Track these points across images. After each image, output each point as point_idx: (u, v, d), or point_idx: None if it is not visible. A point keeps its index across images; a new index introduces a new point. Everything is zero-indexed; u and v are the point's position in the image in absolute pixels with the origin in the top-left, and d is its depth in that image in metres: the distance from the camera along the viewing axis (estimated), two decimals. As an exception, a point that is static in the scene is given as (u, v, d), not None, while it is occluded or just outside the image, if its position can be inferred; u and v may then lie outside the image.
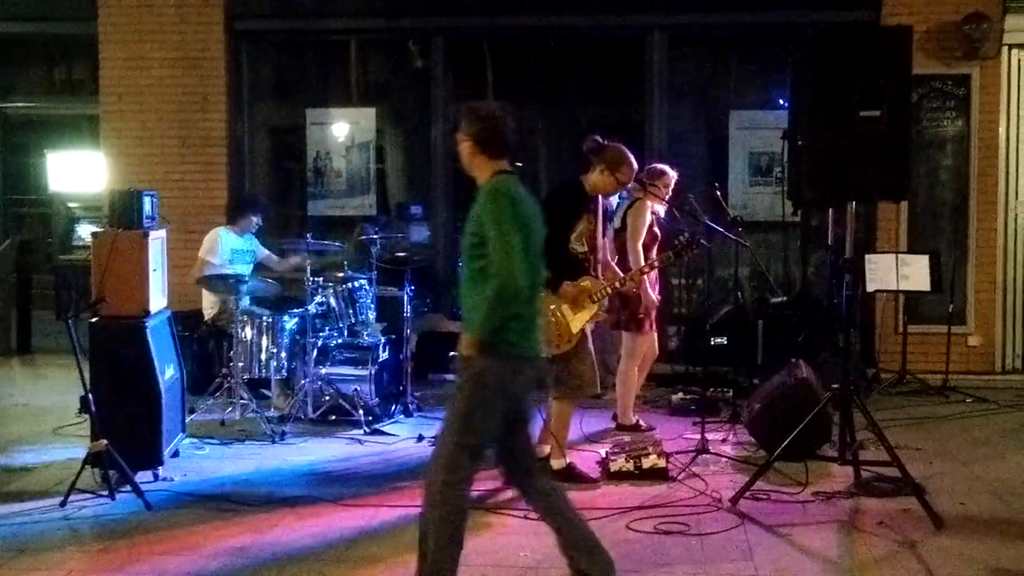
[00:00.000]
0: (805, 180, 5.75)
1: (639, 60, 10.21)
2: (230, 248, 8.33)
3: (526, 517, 5.42)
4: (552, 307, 6.04)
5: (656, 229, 7.32)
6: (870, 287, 8.74)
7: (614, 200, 7.22)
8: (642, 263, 6.94)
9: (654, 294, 7.18)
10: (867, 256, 8.77)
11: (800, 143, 5.80)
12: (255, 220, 8.56)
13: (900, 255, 8.79)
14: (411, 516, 5.46)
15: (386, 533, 5.25)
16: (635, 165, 6.35)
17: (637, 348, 7.29)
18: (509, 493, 5.84)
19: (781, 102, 9.19)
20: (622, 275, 6.69)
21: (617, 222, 7.27)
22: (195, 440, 7.03)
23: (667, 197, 7.28)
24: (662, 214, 7.43)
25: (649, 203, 7.24)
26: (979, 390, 8.77)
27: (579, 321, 6.13)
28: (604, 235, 6.66)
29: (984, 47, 9.44)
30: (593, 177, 6.28)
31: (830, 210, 8.69)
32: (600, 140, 6.30)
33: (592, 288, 6.20)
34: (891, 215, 9.63)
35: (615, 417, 7.45)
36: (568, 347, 6.08)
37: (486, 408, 4.19)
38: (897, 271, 8.61)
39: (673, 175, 7.39)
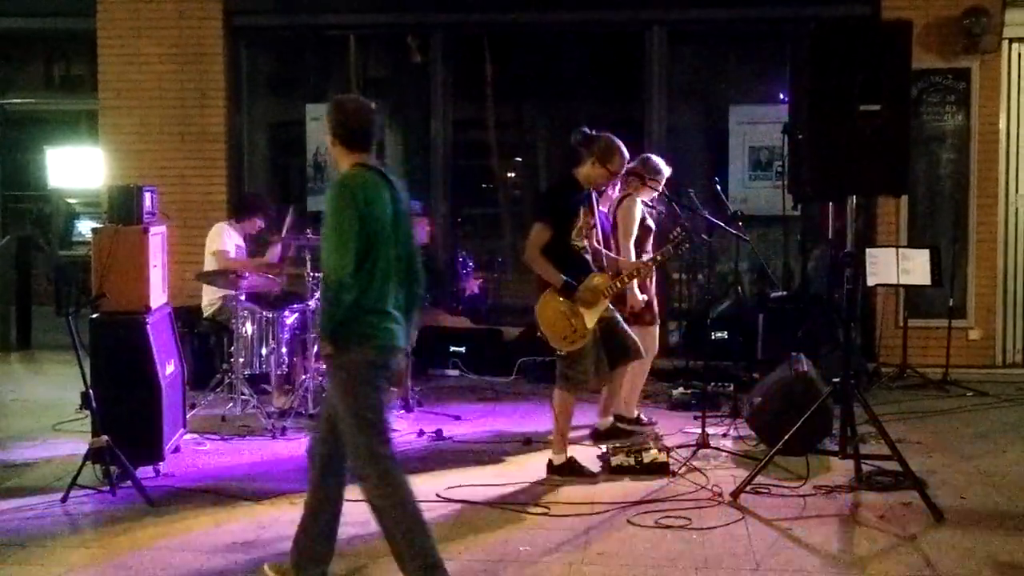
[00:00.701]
0: (805, 174, 5.75)
1: (639, 55, 10.22)
2: (233, 244, 8.33)
3: (528, 512, 5.45)
4: (566, 305, 6.05)
5: (649, 223, 7.29)
6: (870, 281, 8.75)
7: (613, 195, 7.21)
8: (632, 260, 6.91)
9: (644, 293, 7.12)
10: (867, 250, 8.77)
11: (800, 137, 5.79)
12: (258, 223, 8.56)
13: (900, 249, 8.79)
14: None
15: (387, 528, 5.24)
16: (626, 154, 6.30)
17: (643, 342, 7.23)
18: (509, 490, 5.88)
19: (781, 96, 9.18)
20: (631, 264, 6.65)
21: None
22: (196, 436, 7.03)
23: (660, 186, 7.23)
24: (652, 200, 7.37)
25: (639, 198, 7.20)
26: (980, 384, 8.77)
27: (593, 317, 6.13)
28: (600, 227, 6.65)
29: (984, 41, 9.44)
30: (585, 170, 6.25)
31: (830, 204, 8.68)
32: (587, 132, 6.28)
33: (603, 284, 6.19)
34: (891, 209, 9.64)
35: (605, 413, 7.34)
36: (582, 343, 6.08)
37: (364, 395, 4.23)
38: (897, 265, 8.60)
39: (659, 161, 7.31)
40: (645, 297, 7.00)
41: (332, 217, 4.19)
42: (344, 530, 5.14)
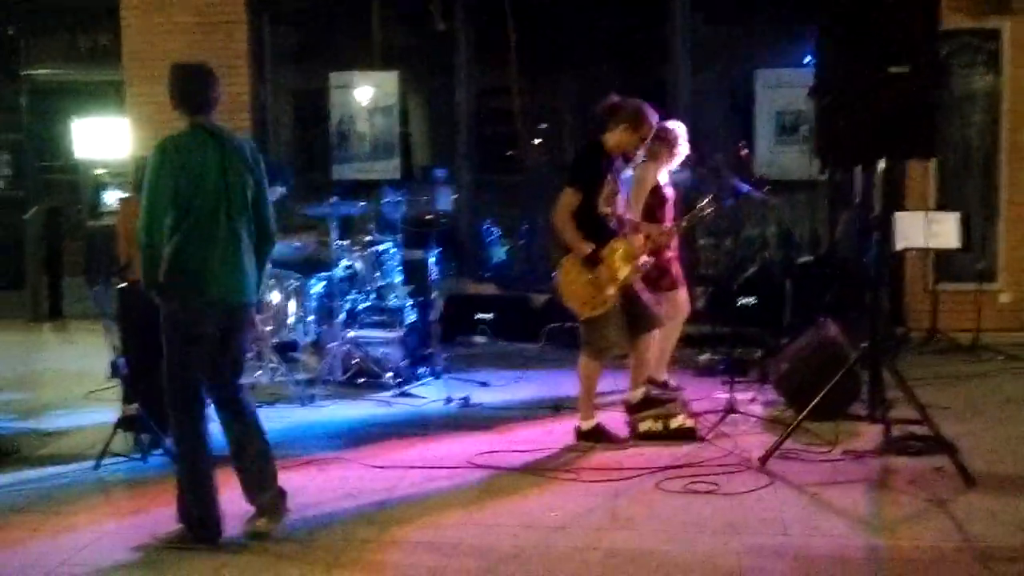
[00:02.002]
0: (832, 138, 5.69)
1: (664, 19, 10.13)
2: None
3: (556, 478, 5.46)
4: (589, 271, 6.03)
5: (666, 190, 7.23)
6: (899, 245, 8.68)
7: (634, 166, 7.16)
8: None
9: (661, 259, 7.06)
10: (896, 214, 8.70)
11: (827, 101, 5.73)
12: (280, 190, 8.56)
13: (929, 213, 8.71)
14: (440, 477, 5.52)
15: (414, 494, 5.28)
16: (655, 119, 6.29)
17: (666, 308, 7.19)
18: (538, 456, 5.89)
19: (807, 60, 9.09)
20: (656, 229, 6.61)
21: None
22: (225, 404, 7.08)
23: (680, 152, 7.17)
24: (676, 167, 7.32)
25: (653, 165, 7.14)
26: (1010, 347, 8.70)
27: (615, 284, 6.11)
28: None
29: (1014, 0, 9.29)
30: (615, 136, 6.21)
31: (858, 168, 8.61)
32: (617, 99, 6.25)
33: (627, 249, 6.17)
34: (920, 173, 9.54)
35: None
36: (604, 309, 6.06)
37: (178, 350, 4.57)
38: (926, 229, 8.53)
39: (677, 128, 7.25)
40: (649, 260, 6.76)
41: (146, 178, 4.48)
42: (369, 497, 5.20)
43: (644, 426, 6.21)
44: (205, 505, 4.62)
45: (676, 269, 7.28)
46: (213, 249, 4.53)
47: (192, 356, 4.58)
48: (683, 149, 7.17)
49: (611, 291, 6.07)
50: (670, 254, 7.19)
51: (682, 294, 7.39)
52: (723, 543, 4.53)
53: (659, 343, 6.95)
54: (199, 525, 4.61)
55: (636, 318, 6.34)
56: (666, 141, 7.08)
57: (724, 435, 6.19)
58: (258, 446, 4.76)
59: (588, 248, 6.01)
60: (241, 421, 4.76)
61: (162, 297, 4.54)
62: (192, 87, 4.65)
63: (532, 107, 12.09)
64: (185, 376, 4.60)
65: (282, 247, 7.89)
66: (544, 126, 12.28)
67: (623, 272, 6.14)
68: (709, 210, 6.53)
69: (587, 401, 6.21)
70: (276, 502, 4.72)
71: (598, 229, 6.09)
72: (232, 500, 5.08)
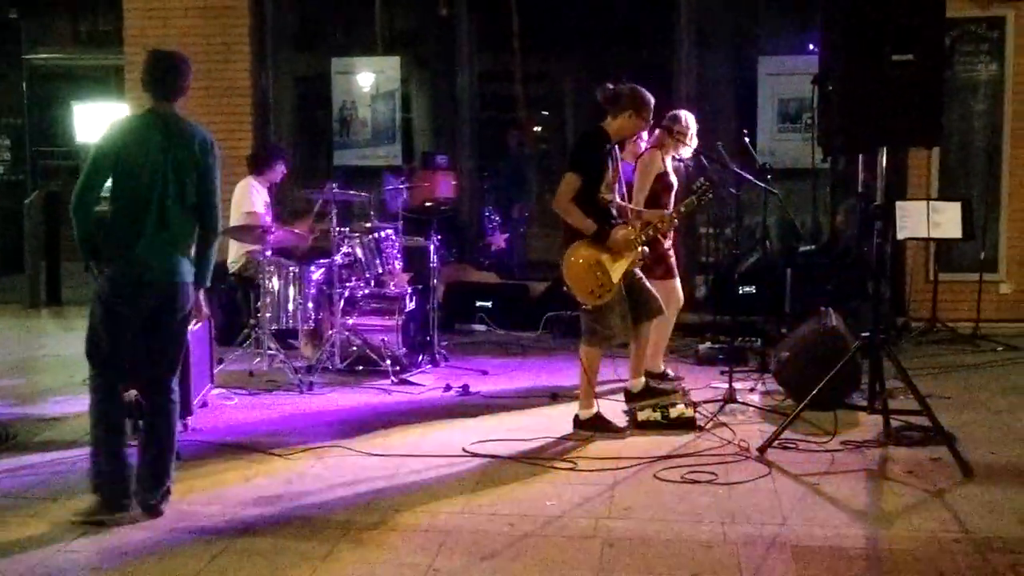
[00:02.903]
0: (835, 126, 5.66)
1: (668, 5, 10.08)
2: (262, 201, 8.34)
3: (554, 467, 5.45)
4: (593, 259, 6.01)
5: (671, 178, 7.22)
6: (901, 235, 8.67)
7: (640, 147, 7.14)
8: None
9: (658, 248, 7.04)
10: (898, 203, 8.68)
11: (830, 88, 5.70)
12: (281, 170, 8.54)
13: (931, 202, 8.70)
14: (438, 465, 5.51)
15: (412, 482, 5.27)
16: (653, 102, 6.28)
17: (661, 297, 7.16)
18: (535, 444, 5.89)
19: (811, 47, 9.06)
20: (656, 215, 6.58)
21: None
22: (224, 390, 7.08)
23: (691, 141, 7.17)
24: (687, 157, 7.32)
25: (659, 153, 7.14)
26: (1010, 338, 8.70)
27: (619, 271, 6.09)
28: (625, 180, 6.60)
29: (1019, -12, 9.26)
30: (619, 122, 6.20)
31: (860, 156, 8.58)
32: (614, 87, 6.23)
33: (631, 233, 6.15)
34: (922, 161, 9.51)
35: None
36: (608, 297, 6.05)
37: (97, 323, 4.72)
38: (928, 218, 8.51)
39: (687, 117, 7.25)
40: (645, 249, 6.73)
41: (91, 148, 4.84)
42: (367, 485, 5.20)
43: (643, 415, 6.20)
44: (114, 465, 4.71)
45: (672, 258, 7.26)
46: (141, 228, 4.68)
47: (110, 326, 4.70)
48: (692, 137, 7.16)
49: (615, 279, 6.05)
50: (667, 242, 7.17)
51: (677, 283, 7.37)
52: (721, 532, 4.52)
53: (654, 333, 6.94)
54: (108, 483, 4.69)
55: (639, 305, 6.33)
56: (675, 129, 7.06)
57: (723, 424, 6.18)
58: (153, 451, 4.80)
59: (594, 225, 5.99)
60: (155, 415, 4.83)
61: (98, 267, 4.73)
62: (155, 74, 4.83)
63: (534, 93, 12.07)
64: (98, 338, 4.72)
65: (282, 234, 7.91)
66: (546, 112, 12.25)
67: (625, 260, 6.12)
68: (708, 195, 6.48)
69: (588, 389, 6.19)
70: (146, 504, 4.76)
71: (599, 215, 6.07)
72: (229, 490, 5.10)
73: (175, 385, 4.91)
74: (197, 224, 4.85)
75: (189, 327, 5.01)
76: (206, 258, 4.91)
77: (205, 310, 5.06)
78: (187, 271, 4.83)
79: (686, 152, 7.26)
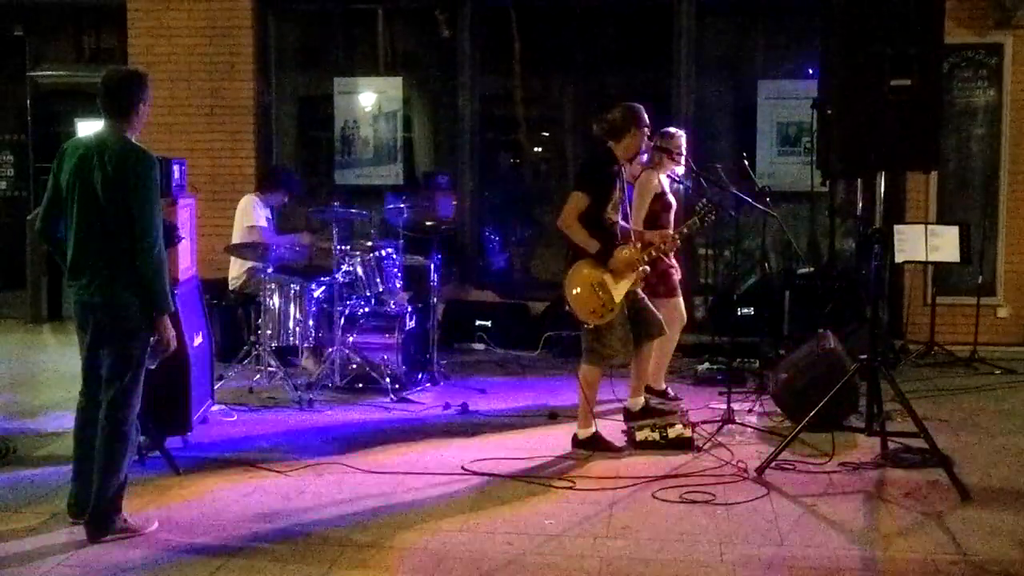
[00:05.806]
0: (834, 150, 5.71)
1: (667, 29, 10.14)
2: (264, 217, 8.37)
3: (552, 486, 5.47)
4: (595, 279, 6.04)
5: (669, 197, 7.27)
6: (899, 258, 8.70)
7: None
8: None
9: (660, 267, 7.08)
10: (896, 227, 8.72)
11: (829, 112, 5.75)
12: (281, 198, 8.59)
13: (929, 226, 8.74)
14: (437, 483, 5.53)
15: (411, 500, 5.28)
16: (643, 109, 6.36)
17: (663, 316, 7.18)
18: (534, 463, 5.90)
19: (810, 71, 9.11)
20: (659, 235, 6.59)
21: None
22: (224, 407, 7.09)
23: (683, 157, 7.22)
24: (680, 174, 7.36)
25: (656, 172, 7.21)
26: (1008, 362, 8.72)
27: (621, 291, 6.12)
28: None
29: (1017, 15, 9.31)
30: (626, 142, 6.25)
31: (859, 180, 8.62)
32: (608, 118, 6.27)
33: (635, 254, 6.18)
34: (920, 185, 9.55)
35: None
36: (611, 317, 6.07)
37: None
38: (926, 242, 8.55)
39: (680, 133, 7.32)
40: (647, 269, 6.75)
41: None
42: (365, 502, 5.22)
43: (641, 435, 6.21)
44: (73, 475, 4.91)
45: (674, 277, 7.30)
46: (76, 250, 4.73)
47: (79, 344, 4.91)
48: (684, 153, 7.20)
49: (617, 298, 6.08)
50: (669, 261, 7.20)
51: (680, 301, 7.40)
52: (718, 553, 4.54)
53: (656, 352, 6.96)
54: (73, 489, 4.91)
55: (640, 326, 6.36)
56: (668, 147, 7.11)
57: (721, 445, 6.20)
58: (94, 468, 4.77)
59: (597, 244, 6.02)
60: (102, 434, 4.77)
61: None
62: (102, 93, 4.79)
63: (535, 115, 12.11)
64: (82, 371, 4.97)
65: (283, 251, 7.94)
66: (547, 134, 12.29)
67: (627, 280, 6.15)
68: (711, 216, 6.53)
69: (587, 409, 6.21)
70: (89, 525, 4.73)
71: (604, 235, 6.11)
72: (228, 506, 5.11)
73: (128, 413, 4.79)
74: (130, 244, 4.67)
75: (141, 349, 4.79)
76: (146, 279, 4.66)
77: (165, 337, 4.79)
78: (125, 292, 4.68)
79: (680, 169, 7.30)
